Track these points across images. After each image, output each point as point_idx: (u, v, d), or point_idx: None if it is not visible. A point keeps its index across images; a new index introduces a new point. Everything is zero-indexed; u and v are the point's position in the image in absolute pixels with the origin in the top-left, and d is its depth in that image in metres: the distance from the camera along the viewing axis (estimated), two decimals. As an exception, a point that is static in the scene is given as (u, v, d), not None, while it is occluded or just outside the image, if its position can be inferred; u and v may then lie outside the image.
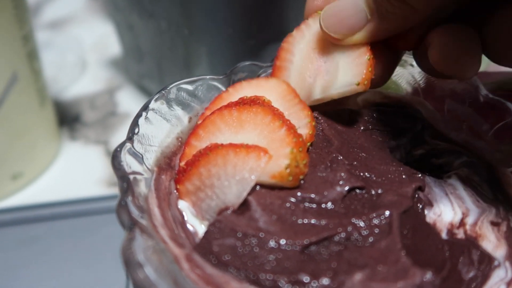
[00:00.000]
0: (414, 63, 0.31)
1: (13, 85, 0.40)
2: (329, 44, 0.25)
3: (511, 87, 0.30)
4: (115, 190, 0.47)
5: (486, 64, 0.59)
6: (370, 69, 0.24)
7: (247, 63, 0.29)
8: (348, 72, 0.24)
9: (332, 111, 0.28)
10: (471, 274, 0.19)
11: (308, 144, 0.25)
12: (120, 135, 0.55)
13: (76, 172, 0.49)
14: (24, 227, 0.41)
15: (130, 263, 0.16)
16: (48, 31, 0.79)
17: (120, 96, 0.62)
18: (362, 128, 0.27)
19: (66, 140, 0.53)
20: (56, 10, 0.88)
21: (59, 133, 0.52)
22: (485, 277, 0.19)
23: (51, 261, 0.38)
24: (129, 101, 0.61)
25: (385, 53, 0.25)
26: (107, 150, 0.52)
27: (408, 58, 0.31)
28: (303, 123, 0.25)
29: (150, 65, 0.55)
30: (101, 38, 0.78)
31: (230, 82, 0.29)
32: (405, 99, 0.30)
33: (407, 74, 0.31)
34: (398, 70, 0.31)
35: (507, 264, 0.19)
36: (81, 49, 0.73)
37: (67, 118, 0.57)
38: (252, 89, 0.27)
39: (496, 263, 0.19)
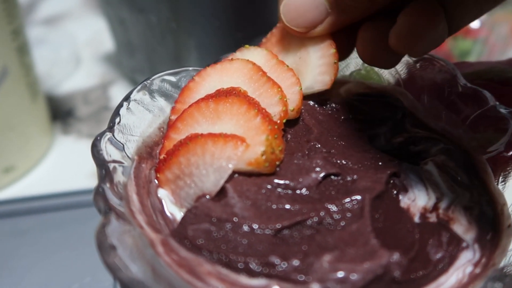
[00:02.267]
0: (396, 53, 0.31)
1: (2, 79, 0.40)
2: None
3: (489, 76, 0.30)
4: (106, 183, 0.47)
5: (477, 56, 0.59)
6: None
7: (229, 55, 0.29)
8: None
9: (314, 101, 0.29)
10: (439, 255, 0.19)
11: (284, 121, 0.25)
12: (113, 129, 0.55)
13: (69, 165, 0.49)
14: (15, 220, 0.41)
15: (102, 246, 0.17)
16: (43, 27, 0.80)
17: (113, 91, 0.63)
18: (342, 117, 0.28)
19: (59, 134, 0.54)
20: (51, 7, 0.88)
21: (51, 128, 0.52)
22: (453, 257, 0.19)
23: (42, 252, 0.39)
24: (122, 95, 0.61)
25: (343, 38, 0.26)
26: (99, 144, 0.53)
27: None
28: (275, 101, 0.25)
29: (142, 59, 0.55)
30: (95, 34, 0.78)
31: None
32: (387, 89, 0.31)
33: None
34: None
35: (476, 246, 0.20)
36: (75, 45, 0.73)
37: (60, 112, 0.58)
38: (217, 74, 0.27)
39: (464, 244, 0.20)
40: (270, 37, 0.30)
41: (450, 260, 0.19)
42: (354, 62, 0.33)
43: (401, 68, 0.31)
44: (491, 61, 0.33)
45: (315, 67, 0.28)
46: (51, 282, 0.37)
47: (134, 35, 0.53)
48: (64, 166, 0.49)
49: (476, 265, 0.19)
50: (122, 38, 0.57)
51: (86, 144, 0.53)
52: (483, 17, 0.58)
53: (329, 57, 0.27)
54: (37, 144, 0.48)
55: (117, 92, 0.62)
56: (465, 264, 0.19)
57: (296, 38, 0.28)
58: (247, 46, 0.29)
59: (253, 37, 0.42)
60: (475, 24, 0.57)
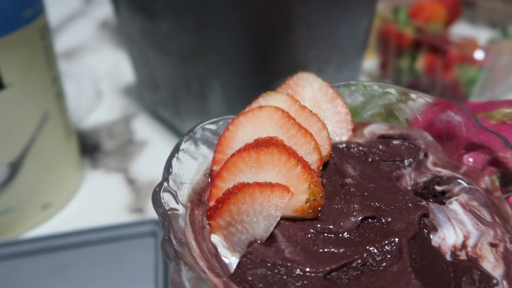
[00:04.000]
0: (414, 97, 0.34)
1: (44, 123, 0.43)
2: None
3: (501, 118, 0.33)
4: (136, 217, 0.50)
5: (483, 83, 0.62)
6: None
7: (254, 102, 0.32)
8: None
9: (342, 144, 0.31)
10: (472, 293, 0.21)
11: (321, 168, 0.28)
12: (139, 162, 0.58)
13: (99, 199, 0.52)
14: (53, 255, 0.44)
15: (181, 294, 0.19)
16: (62, 62, 0.83)
17: (136, 124, 0.66)
18: (370, 159, 0.30)
19: (88, 169, 0.56)
20: (67, 41, 0.92)
21: (82, 163, 0.55)
22: (485, 295, 0.22)
23: (82, 285, 0.41)
24: (145, 128, 0.64)
25: None
26: (127, 178, 0.55)
27: (409, 92, 0.34)
28: (310, 149, 0.27)
29: (165, 95, 0.58)
30: (114, 66, 0.81)
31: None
32: (407, 131, 0.33)
33: (407, 108, 0.34)
34: (400, 104, 0.35)
35: (505, 283, 0.22)
36: (96, 78, 0.76)
37: (88, 147, 0.60)
38: (250, 122, 0.29)
39: (494, 281, 0.22)
40: (285, 88, 0.33)
41: (483, 297, 0.21)
42: (373, 103, 0.36)
43: (419, 110, 0.34)
44: (500, 100, 0.36)
45: (330, 122, 0.32)
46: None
47: (158, 73, 0.56)
48: (95, 200, 0.52)
49: (505, 301, 0.21)
50: (145, 75, 0.60)
51: (114, 178, 0.55)
52: (487, 46, 0.61)
53: (344, 115, 0.30)
54: (71, 180, 0.51)
55: (140, 125, 0.65)
56: (496, 300, 0.21)
57: (308, 94, 0.32)
58: (268, 92, 0.31)
59: (277, 78, 0.45)
60: (479, 55, 0.60)
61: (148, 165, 0.58)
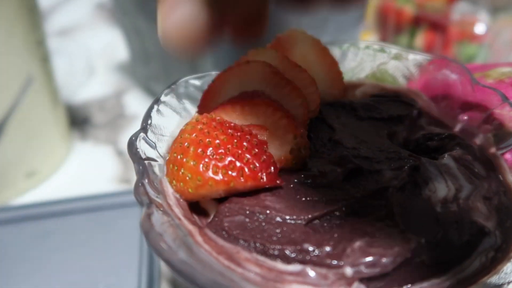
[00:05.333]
0: (410, 56, 0.33)
1: (28, 87, 0.42)
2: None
3: (499, 77, 0.31)
4: (125, 187, 0.48)
5: (482, 60, 0.60)
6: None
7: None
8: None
9: (333, 102, 0.30)
10: (462, 241, 0.20)
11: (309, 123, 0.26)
12: (128, 135, 0.56)
13: (87, 170, 0.51)
14: (39, 223, 0.43)
15: (149, 233, 0.18)
16: (57, 38, 0.82)
17: (128, 99, 0.64)
18: (361, 117, 0.29)
19: (77, 140, 0.55)
20: (63, 18, 0.91)
21: (70, 134, 0.54)
22: (476, 243, 0.20)
23: (67, 254, 0.40)
24: (136, 103, 0.63)
25: None
26: (116, 150, 0.54)
27: (403, 51, 0.33)
28: (297, 104, 0.26)
29: (157, 67, 0.57)
30: (108, 44, 0.80)
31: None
32: (401, 90, 0.32)
33: (403, 67, 0.33)
34: (394, 63, 0.33)
35: (497, 232, 0.21)
36: (89, 55, 0.75)
37: (77, 120, 0.59)
38: (236, 76, 0.27)
39: (486, 230, 0.21)
40: (275, 44, 0.32)
41: (473, 246, 0.20)
42: (368, 65, 0.34)
43: (415, 70, 0.32)
44: (498, 62, 0.35)
45: (322, 81, 0.30)
46: (77, 284, 0.38)
47: (150, 44, 0.55)
48: (83, 171, 0.51)
49: (497, 250, 0.20)
50: (138, 47, 0.59)
51: (103, 150, 0.54)
52: (488, 22, 0.59)
53: (336, 73, 0.29)
54: (57, 150, 0.50)
55: (132, 100, 0.64)
56: (487, 249, 0.20)
57: (298, 52, 0.31)
58: (257, 48, 0.30)
59: (265, 43, 0.44)
60: (480, 30, 0.58)
61: (139, 138, 0.56)
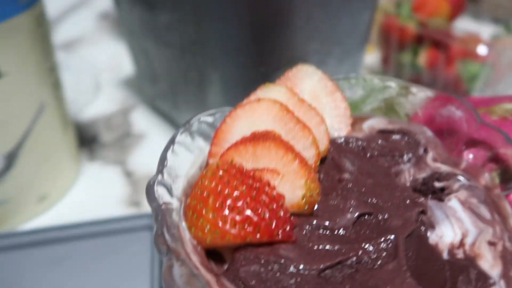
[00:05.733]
0: (415, 90, 0.33)
1: (41, 113, 0.43)
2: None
3: (503, 114, 0.32)
4: (133, 210, 0.49)
5: (485, 79, 0.61)
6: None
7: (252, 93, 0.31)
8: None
9: (340, 139, 0.31)
10: (469, 292, 0.21)
11: (318, 163, 0.27)
12: (136, 155, 0.57)
13: (96, 192, 0.51)
14: (50, 248, 0.43)
15: (172, 289, 0.19)
16: (62, 53, 0.82)
17: (135, 116, 0.65)
18: (369, 155, 0.30)
19: (85, 161, 0.56)
20: (68, 30, 0.91)
21: (79, 155, 0.55)
22: (482, 294, 0.21)
23: (76, 279, 0.41)
24: (143, 121, 0.64)
25: None
26: (124, 170, 0.55)
27: (409, 86, 0.34)
28: (308, 144, 0.27)
29: (164, 87, 0.57)
30: (113, 59, 0.81)
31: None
32: (407, 126, 0.33)
33: (408, 101, 0.34)
34: (400, 97, 0.34)
35: (502, 282, 0.22)
36: (95, 71, 0.75)
37: (86, 139, 0.60)
38: (247, 115, 0.28)
39: (491, 281, 0.22)
40: (284, 80, 0.32)
41: (479, 297, 0.21)
42: (375, 99, 0.35)
43: (420, 104, 0.33)
44: (502, 95, 0.36)
45: (329, 116, 0.31)
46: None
47: (157, 65, 0.55)
48: (92, 192, 0.51)
49: (503, 300, 0.21)
50: (144, 66, 0.59)
51: (112, 170, 0.55)
52: (491, 42, 0.60)
53: (344, 109, 0.30)
54: (68, 172, 0.51)
55: (139, 118, 0.65)
56: (493, 300, 0.21)
57: (307, 87, 0.31)
58: (267, 84, 0.31)
59: (276, 71, 0.44)
60: (482, 50, 0.59)
61: (146, 157, 0.57)
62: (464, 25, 0.79)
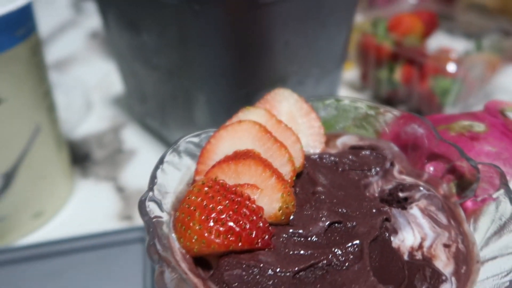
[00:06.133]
0: (384, 111, 0.37)
1: (36, 135, 0.45)
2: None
3: (460, 130, 0.36)
4: (125, 224, 0.52)
5: (456, 93, 0.65)
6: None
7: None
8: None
9: (315, 155, 0.34)
10: (423, 287, 0.24)
11: (294, 178, 0.30)
12: (128, 171, 0.60)
13: (89, 208, 0.54)
14: (45, 262, 0.45)
15: (163, 292, 0.22)
16: (54, 73, 0.84)
17: (125, 134, 0.68)
18: (341, 169, 0.33)
19: (78, 178, 0.58)
20: (58, 52, 0.94)
21: (72, 172, 0.57)
22: (434, 289, 0.24)
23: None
24: (133, 138, 0.67)
25: None
26: (116, 186, 0.58)
27: (378, 107, 0.37)
28: (284, 161, 0.30)
29: (153, 106, 0.60)
30: (103, 77, 0.83)
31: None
32: (376, 142, 0.36)
33: (377, 120, 0.37)
34: (370, 117, 0.38)
35: (453, 279, 0.25)
36: (86, 89, 0.78)
37: (78, 157, 0.62)
38: (229, 135, 0.31)
39: (443, 277, 0.25)
40: (263, 103, 0.36)
41: (432, 292, 0.24)
42: (348, 117, 0.39)
43: (387, 122, 0.37)
44: (459, 113, 0.39)
45: (305, 135, 0.34)
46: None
47: (146, 86, 0.58)
48: (85, 208, 0.54)
49: (453, 295, 0.24)
50: (134, 86, 0.62)
51: (104, 187, 0.57)
52: (460, 59, 0.64)
53: (318, 129, 0.33)
54: (62, 190, 0.53)
55: (129, 135, 0.67)
56: (444, 294, 0.24)
57: (284, 109, 0.35)
58: (248, 107, 0.34)
59: (258, 91, 0.48)
60: (452, 68, 0.63)
61: (137, 173, 0.60)
62: (438, 40, 0.84)
